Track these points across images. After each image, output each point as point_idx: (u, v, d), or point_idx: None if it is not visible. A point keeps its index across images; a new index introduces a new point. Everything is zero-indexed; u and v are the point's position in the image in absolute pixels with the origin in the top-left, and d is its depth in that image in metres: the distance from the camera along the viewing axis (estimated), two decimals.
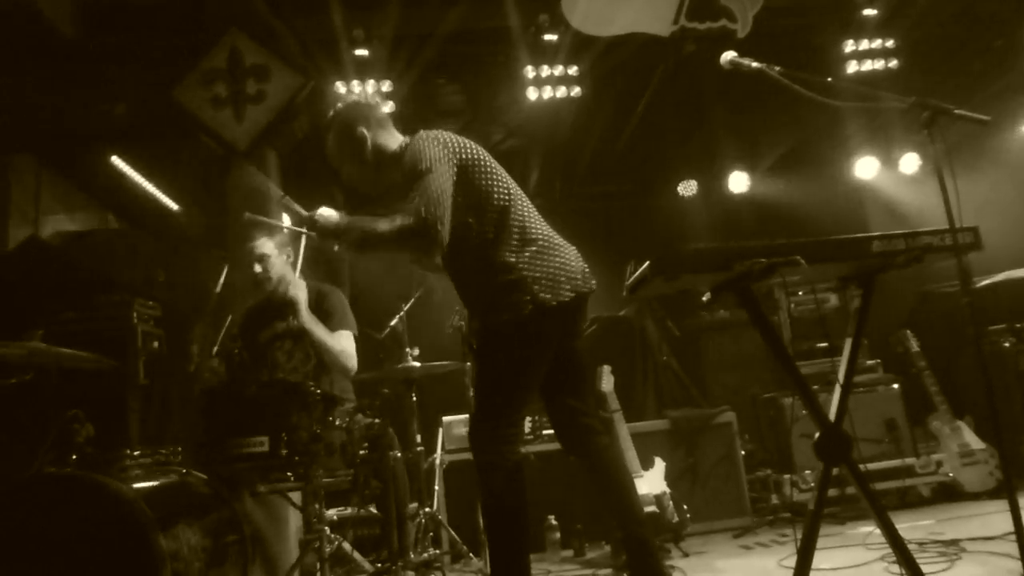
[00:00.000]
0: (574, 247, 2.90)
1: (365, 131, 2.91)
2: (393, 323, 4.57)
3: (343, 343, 3.78)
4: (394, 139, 2.96)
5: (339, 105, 3.02)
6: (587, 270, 2.86)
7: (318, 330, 3.70)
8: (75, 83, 5.07)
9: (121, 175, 6.38)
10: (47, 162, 6.01)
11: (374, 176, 2.96)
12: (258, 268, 3.86)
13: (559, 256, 2.78)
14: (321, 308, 3.88)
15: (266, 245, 3.89)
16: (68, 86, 5.06)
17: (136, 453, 3.29)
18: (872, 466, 4.65)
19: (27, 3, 4.49)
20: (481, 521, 3.64)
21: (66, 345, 3.19)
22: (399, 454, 3.63)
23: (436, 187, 2.61)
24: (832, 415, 2.60)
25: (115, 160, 6.15)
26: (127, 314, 5.28)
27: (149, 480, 3.09)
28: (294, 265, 3.94)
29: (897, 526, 2.53)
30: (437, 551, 4.06)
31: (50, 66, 4.87)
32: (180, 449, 3.44)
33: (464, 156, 2.76)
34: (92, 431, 3.11)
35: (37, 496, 2.78)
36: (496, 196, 2.76)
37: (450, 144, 2.75)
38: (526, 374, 2.74)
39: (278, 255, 3.90)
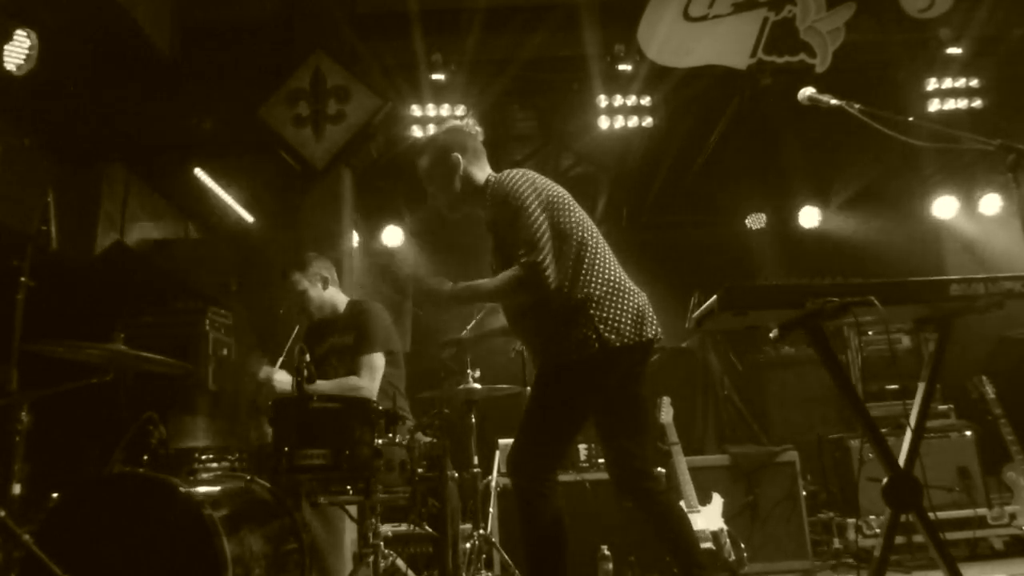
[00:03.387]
0: (644, 294, 2.91)
1: (460, 157, 2.95)
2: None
3: (352, 380, 3.79)
4: (483, 172, 3.01)
5: (442, 126, 3.09)
6: (655, 319, 2.86)
7: (323, 389, 3.68)
8: (168, 98, 5.32)
9: (203, 187, 6.63)
10: (136, 172, 6.29)
11: (457, 202, 3.00)
12: (296, 307, 4.05)
13: (629, 300, 2.79)
14: (359, 327, 3.95)
15: (301, 282, 4.04)
16: (161, 100, 5.31)
17: (204, 457, 3.39)
18: (942, 515, 4.46)
19: (130, 21, 4.74)
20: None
21: (140, 348, 3.31)
22: (456, 474, 3.65)
23: (533, 228, 2.67)
24: (902, 460, 2.53)
25: (198, 172, 6.40)
26: (200, 321, 5.47)
27: (216, 484, 3.19)
28: (329, 282, 4.08)
29: None
30: (489, 573, 4.06)
31: (146, 81, 5.13)
32: (246, 455, 3.52)
33: (548, 195, 2.80)
34: (164, 433, 3.22)
35: (110, 494, 2.90)
36: (574, 236, 2.80)
37: (537, 183, 2.81)
38: (580, 410, 2.77)
39: (311, 286, 4.05)
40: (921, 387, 2.63)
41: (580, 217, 2.86)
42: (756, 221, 7.81)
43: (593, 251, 2.82)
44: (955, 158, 7.10)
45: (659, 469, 4.32)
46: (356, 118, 5.26)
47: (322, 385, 3.69)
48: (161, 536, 2.79)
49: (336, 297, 4.14)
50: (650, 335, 2.78)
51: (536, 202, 2.73)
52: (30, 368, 3.04)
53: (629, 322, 2.73)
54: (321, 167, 5.27)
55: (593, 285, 2.75)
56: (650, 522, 2.81)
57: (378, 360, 3.87)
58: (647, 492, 2.81)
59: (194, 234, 7.31)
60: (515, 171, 2.85)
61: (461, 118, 3.17)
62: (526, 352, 4.10)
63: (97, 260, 5.88)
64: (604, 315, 2.70)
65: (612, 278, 2.80)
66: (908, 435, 2.56)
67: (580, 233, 2.81)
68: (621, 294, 2.78)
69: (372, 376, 3.83)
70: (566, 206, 2.83)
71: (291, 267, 4.08)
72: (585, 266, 2.77)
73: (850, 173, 7.47)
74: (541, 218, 2.70)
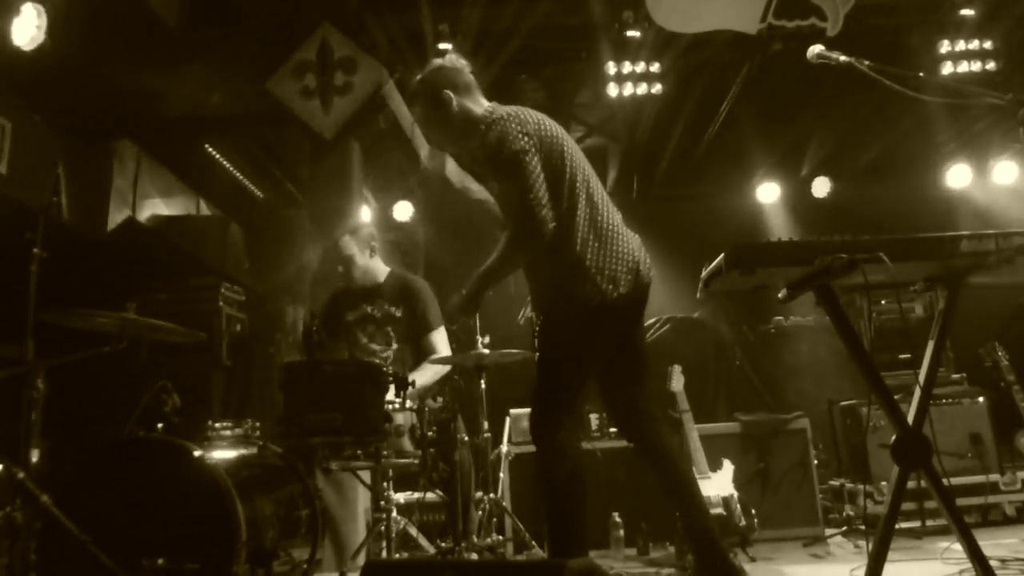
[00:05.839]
0: (637, 236, 2.90)
1: (451, 94, 2.92)
2: None
3: (437, 366, 3.96)
4: (479, 104, 2.95)
5: (426, 69, 3.04)
6: (648, 260, 2.86)
7: (427, 382, 3.90)
8: (175, 72, 5.31)
9: (213, 162, 6.64)
10: (146, 147, 6.30)
11: (460, 139, 2.97)
12: (340, 269, 4.13)
13: (623, 245, 2.79)
14: (412, 307, 4.09)
15: (350, 246, 4.12)
16: (169, 74, 5.30)
17: (218, 425, 3.43)
18: (954, 481, 4.47)
19: None
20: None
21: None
22: (466, 438, 3.69)
23: (527, 175, 2.65)
24: (911, 418, 2.53)
25: (208, 148, 6.41)
26: (214, 297, 5.52)
27: (229, 450, 3.23)
28: (376, 251, 4.18)
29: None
30: (500, 537, 4.10)
31: (154, 55, 5.12)
32: (259, 424, 3.56)
33: (542, 137, 2.77)
34: (178, 402, 3.26)
35: (128, 457, 2.95)
36: (568, 179, 2.77)
37: (529, 125, 2.76)
38: (588, 363, 2.78)
39: (360, 253, 4.12)
40: (930, 345, 2.61)
41: (576, 159, 2.83)
42: (768, 192, 7.75)
43: (588, 194, 2.80)
44: (968, 125, 7.01)
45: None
46: (363, 89, 5.24)
47: (422, 378, 3.82)
48: (176, 499, 2.83)
49: (378, 266, 4.21)
50: (646, 279, 2.80)
51: (528, 146, 2.69)
52: (46, 341, 3.08)
53: (625, 269, 2.74)
54: (329, 139, 5.27)
55: (588, 231, 2.74)
56: (653, 466, 2.80)
57: (444, 334, 4.10)
58: (652, 434, 2.82)
59: (205, 210, 7.33)
60: (508, 114, 2.79)
61: (444, 55, 3.12)
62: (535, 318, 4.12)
63: (110, 237, 5.91)
64: (601, 265, 2.71)
65: (605, 222, 2.80)
66: (917, 392, 2.55)
67: (575, 176, 2.79)
68: (615, 238, 2.78)
69: (447, 348, 4.10)
70: (560, 147, 2.79)
71: (342, 231, 4.15)
72: (579, 211, 2.76)
73: (861, 142, 7.40)
74: (535, 163, 2.67)
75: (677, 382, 4.53)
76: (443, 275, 6.24)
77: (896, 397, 2.60)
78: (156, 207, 6.68)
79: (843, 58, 2.69)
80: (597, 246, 2.74)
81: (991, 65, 5.57)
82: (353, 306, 4.15)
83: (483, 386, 3.90)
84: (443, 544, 3.58)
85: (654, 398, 2.96)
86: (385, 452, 3.22)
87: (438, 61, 3.05)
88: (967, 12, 5.46)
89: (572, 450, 2.71)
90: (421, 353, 4.09)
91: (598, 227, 2.77)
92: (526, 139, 2.71)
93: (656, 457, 2.80)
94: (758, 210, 7.80)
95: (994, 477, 4.60)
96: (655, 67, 5.56)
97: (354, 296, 4.17)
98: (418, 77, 3.05)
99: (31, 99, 5.09)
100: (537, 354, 2.85)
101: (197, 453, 2.90)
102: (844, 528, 4.66)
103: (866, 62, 2.68)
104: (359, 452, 3.22)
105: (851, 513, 4.77)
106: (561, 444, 2.69)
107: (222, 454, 3.11)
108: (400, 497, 4.18)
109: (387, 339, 4.07)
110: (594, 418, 5.09)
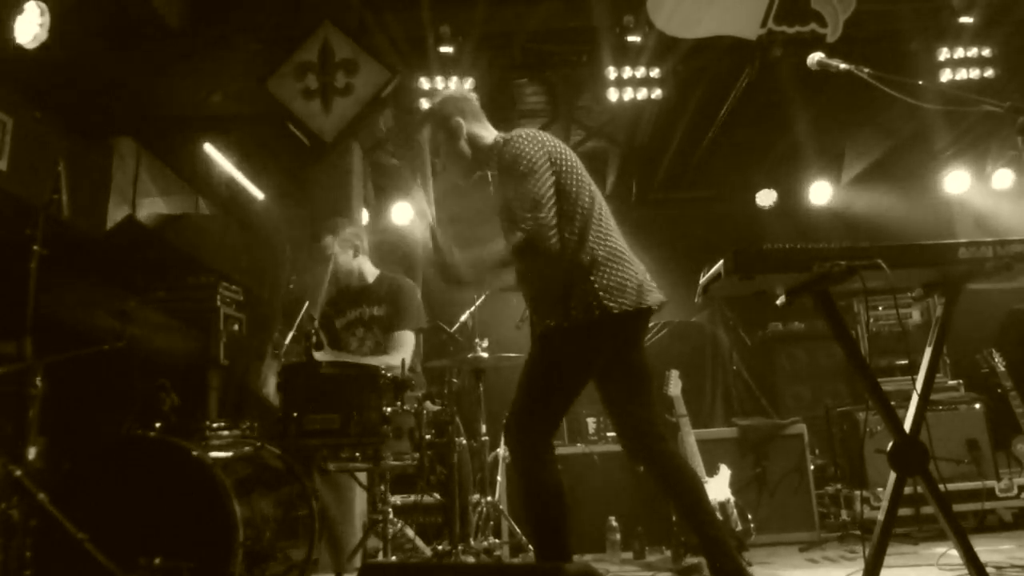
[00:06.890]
0: (643, 265, 2.91)
1: (461, 121, 2.97)
2: (463, 318, 4.65)
3: (390, 357, 3.79)
4: (488, 132, 3.02)
5: (435, 98, 3.10)
6: (655, 287, 2.86)
7: (367, 362, 3.77)
8: (177, 70, 5.31)
9: (212, 162, 6.64)
10: (147, 145, 6.30)
11: (468, 165, 3.01)
12: (329, 267, 4.02)
13: (631, 267, 2.80)
14: (394, 303, 4.01)
15: (331, 247, 4.05)
16: (171, 73, 5.30)
17: (215, 425, 3.43)
18: (951, 487, 4.48)
19: None
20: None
21: (155, 323, 3.35)
22: (464, 441, 3.69)
23: (537, 191, 2.67)
24: (908, 424, 2.54)
25: (207, 147, 6.40)
26: (212, 296, 5.52)
27: (227, 450, 3.23)
28: (360, 250, 4.10)
29: (974, 549, 2.45)
30: (496, 540, 4.10)
31: (155, 53, 5.12)
32: (256, 425, 3.56)
33: (557, 157, 2.80)
34: (177, 401, 3.26)
35: (125, 456, 2.96)
36: (581, 201, 2.80)
37: (546, 145, 2.80)
38: (578, 376, 2.78)
39: (342, 252, 4.05)
40: (928, 351, 2.62)
41: (586, 180, 2.86)
42: (766, 197, 7.76)
43: (598, 215, 2.82)
44: (967, 131, 7.03)
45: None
46: (365, 91, 5.23)
47: (350, 358, 3.75)
48: (173, 498, 2.84)
49: (365, 267, 4.14)
50: (649, 302, 2.78)
51: (545, 164, 2.73)
52: (45, 338, 3.08)
53: (632, 289, 2.74)
54: (330, 141, 5.26)
55: (597, 250, 2.75)
56: (663, 486, 2.80)
57: (410, 337, 3.94)
58: (659, 454, 2.80)
59: (204, 209, 7.33)
60: (523, 132, 2.84)
61: (446, 86, 3.17)
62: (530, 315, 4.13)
63: (109, 234, 5.91)
64: (607, 281, 2.71)
65: (615, 245, 2.81)
66: (914, 399, 2.56)
67: (586, 197, 2.81)
68: (623, 260, 2.79)
69: (402, 353, 3.85)
70: (573, 168, 2.82)
71: (323, 231, 4.10)
72: (592, 230, 2.77)
73: (860, 148, 7.41)
74: (549, 181, 2.71)
75: (674, 386, 4.54)
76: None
77: (893, 403, 2.61)
78: (155, 205, 6.68)
79: (843, 65, 2.70)
80: (606, 264, 2.74)
81: (989, 72, 5.59)
82: (341, 312, 4.10)
83: (481, 389, 3.90)
84: (440, 546, 3.58)
85: (659, 420, 2.94)
86: (383, 454, 3.21)
87: (446, 90, 3.09)
88: (966, 19, 5.48)
89: (551, 458, 2.71)
90: (388, 344, 3.95)
91: (608, 246, 2.79)
92: (541, 155, 2.74)
93: (665, 478, 2.78)
94: (757, 215, 7.81)
95: (991, 483, 4.61)
96: (655, 72, 5.54)
97: (342, 301, 4.12)
98: (427, 107, 3.08)
99: (32, 96, 5.09)
100: (527, 356, 2.86)
101: (195, 452, 2.90)
102: (840, 533, 4.67)
103: (865, 69, 2.69)
104: (356, 454, 3.22)
105: (847, 518, 4.79)
106: (537, 449, 2.69)
107: (220, 454, 3.12)
108: (397, 499, 4.18)
109: (377, 340, 3.99)
110: (591, 422, 5.10)
